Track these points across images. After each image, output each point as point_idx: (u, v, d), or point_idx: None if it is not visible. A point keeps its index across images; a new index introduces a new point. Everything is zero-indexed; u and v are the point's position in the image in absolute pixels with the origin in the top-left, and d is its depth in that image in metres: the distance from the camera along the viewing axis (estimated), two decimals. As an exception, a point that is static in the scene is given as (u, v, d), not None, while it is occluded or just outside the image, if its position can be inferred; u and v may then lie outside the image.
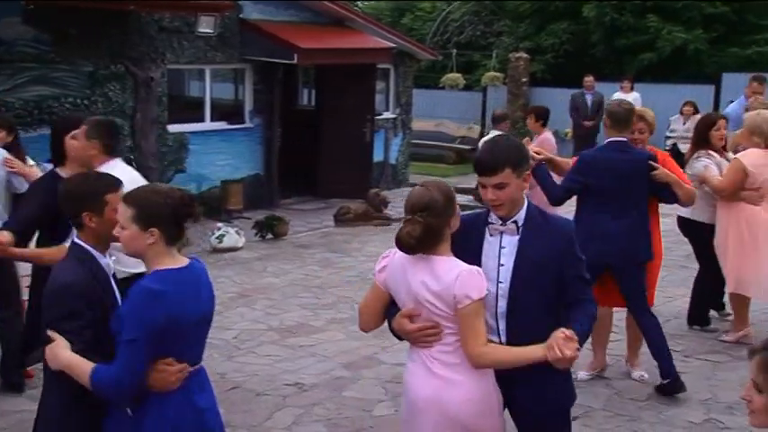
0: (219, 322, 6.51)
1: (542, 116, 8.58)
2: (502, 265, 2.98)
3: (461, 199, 12.01)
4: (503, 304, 2.98)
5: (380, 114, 13.30)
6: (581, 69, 16.35)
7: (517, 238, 2.99)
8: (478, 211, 3.14)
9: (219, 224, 9.54)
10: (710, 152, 6.04)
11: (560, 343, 2.66)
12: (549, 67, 18.16)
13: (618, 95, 14.67)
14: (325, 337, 6.34)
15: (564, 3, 18.27)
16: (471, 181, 11.56)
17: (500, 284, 2.97)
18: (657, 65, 17.00)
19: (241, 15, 11.08)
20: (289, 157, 12.00)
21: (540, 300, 2.97)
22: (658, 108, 15.36)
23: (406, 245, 2.83)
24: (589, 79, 15.03)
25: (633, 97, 14.55)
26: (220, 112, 11.41)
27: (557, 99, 15.99)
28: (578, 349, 2.71)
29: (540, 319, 2.92)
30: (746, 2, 17.29)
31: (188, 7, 10.07)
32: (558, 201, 4.99)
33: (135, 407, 2.64)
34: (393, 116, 13.78)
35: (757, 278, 5.83)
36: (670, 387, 5.07)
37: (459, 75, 17.21)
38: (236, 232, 9.36)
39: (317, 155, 12.45)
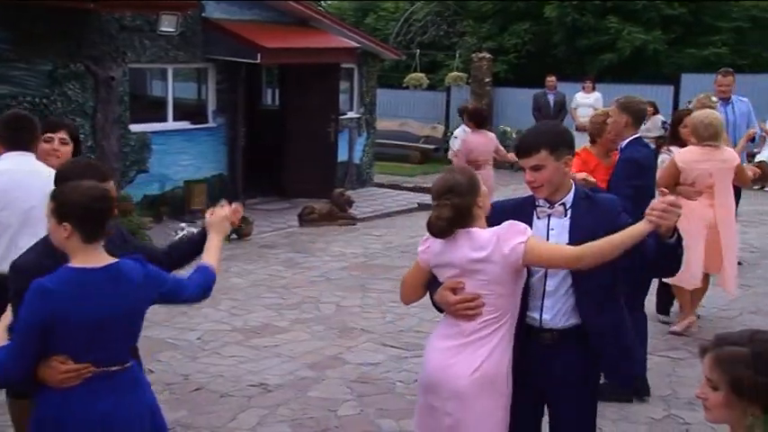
0: (183, 323, 6.46)
1: (473, 117, 8.74)
2: None
3: (427, 199, 12.06)
4: (551, 283, 3.06)
5: (344, 114, 13.29)
6: (543, 69, 16.50)
7: (566, 219, 3.08)
8: (526, 195, 3.21)
9: (183, 224, 9.45)
10: (670, 148, 6.25)
11: (659, 209, 2.78)
12: (511, 68, 18.29)
13: (580, 96, 14.88)
14: (290, 337, 6.33)
15: (526, 3, 18.42)
16: (435, 180, 11.55)
17: None
18: (618, 65, 17.22)
19: (204, 14, 10.99)
20: (253, 156, 11.93)
21: (590, 280, 3.01)
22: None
23: (437, 228, 2.96)
24: (551, 79, 15.20)
25: (595, 97, 14.76)
26: (183, 111, 11.30)
27: (519, 99, 16.16)
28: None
29: (603, 289, 3.04)
30: (703, 3, 17.59)
31: (149, 6, 9.95)
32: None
33: (35, 395, 2.72)
34: (357, 116, 13.78)
35: (688, 268, 5.94)
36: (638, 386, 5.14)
37: (422, 75, 17.24)
38: (200, 233, 9.28)
39: (281, 155, 12.40)
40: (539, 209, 3.12)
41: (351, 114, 13.64)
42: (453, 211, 2.92)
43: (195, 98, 11.76)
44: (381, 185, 14.00)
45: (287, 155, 12.34)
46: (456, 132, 9.06)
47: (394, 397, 5.21)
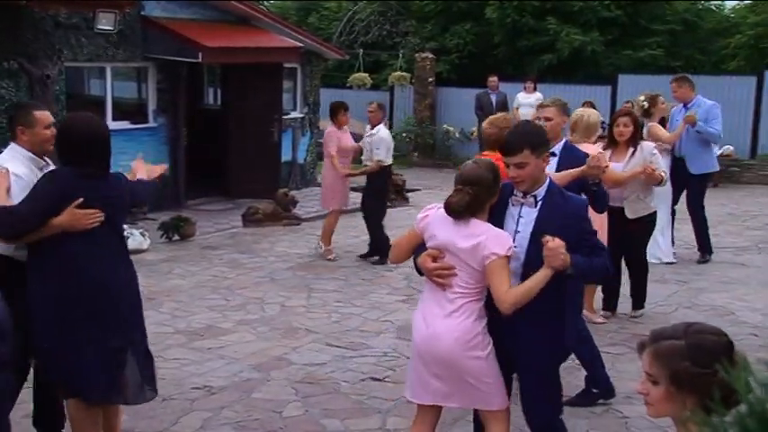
0: (124, 327, 6.34)
1: (330, 111, 8.94)
2: (518, 231, 3.49)
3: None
4: (516, 265, 3.47)
5: (288, 114, 13.22)
6: (485, 69, 16.71)
7: (535, 211, 3.50)
8: (506, 182, 3.58)
9: (123, 225, 9.27)
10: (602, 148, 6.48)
11: (548, 247, 3.28)
12: (454, 67, 18.46)
13: (521, 96, 15.10)
14: (234, 338, 6.27)
15: (467, 4, 18.60)
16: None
17: (515, 248, 3.43)
18: (557, 66, 17.53)
19: (143, 12, 10.81)
20: (195, 157, 11.78)
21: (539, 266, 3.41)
22: (559, 108, 15.85)
23: (454, 211, 3.41)
24: (493, 79, 15.39)
25: (536, 97, 14.95)
26: (123, 111, 11.09)
27: (463, 99, 16.31)
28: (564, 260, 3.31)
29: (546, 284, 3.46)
30: (639, 6, 18.03)
31: (86, 3, 9.74)
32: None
33: None
34: (301, 116, 13.73)
35: None
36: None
37: (366, 74, 17.26)
38: (141, 234, 9.14)
39: (224, 155, 12.28)
40: (513, 197, 3.54)
41: (294, 114, 13.58)
42: (472, 200, 3.38)
43: (135, 97, 11.56)
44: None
45: (230, 155, 12.22)
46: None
47: (339, 397, 5.21)
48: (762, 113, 14.34)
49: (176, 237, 9.66)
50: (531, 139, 3.49)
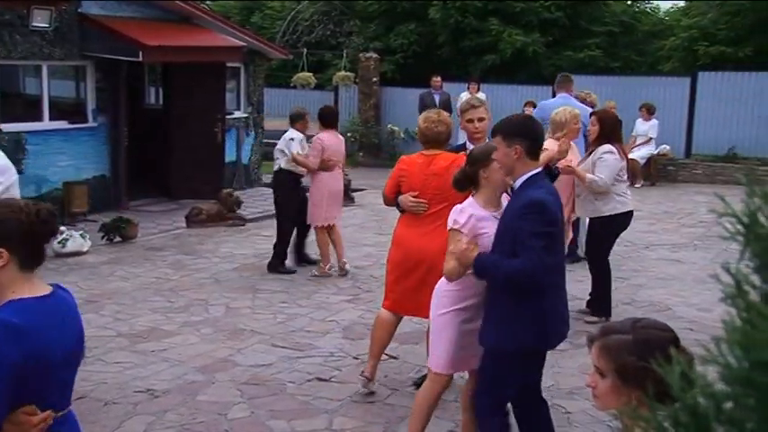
0: (64, 331, 6.20)
1: (326, 117, 8.18)
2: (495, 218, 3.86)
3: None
4: (486, 243, 3.73)
5: (231, 114, 13.10)
6: (429, 69, 16.83)
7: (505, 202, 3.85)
8: None
9: (62, 227, 9.06)
10: None
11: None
12: (398, 67, 18.54)
13: (465, 95, 15.25)
14: (178, 340, 6.20)
15: (411, 4, 18.70)
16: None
17: (485, 234, 3.75)
18: (500, 66, 17.75)
19: (80, 10, 10.58)
20: (137, 157, 11.59)
21: (501, 255, 3.61)
22: (503, 107, 16.12)
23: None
24: (437, 79, 15.53)
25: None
26: (61, 110, 10.85)
27: (407, 98, 16.40)
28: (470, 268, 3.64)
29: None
30: (578, 8, 18.38)
31: (19, 1, 9.49)
32: None
33: None
34: (244, 115, 13.62)
35: None
36: None
37: (310, 74, 17.21)
38: (81, 236, 8.95)
39: (166, 155, 12.10)
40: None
41: (238, 114, 13.46)
42: (461, 175, 3.90)
43: (74, 97, 11.31)
44: (270, 185, 13.88)
45: (173, 155, 12.06)
46: (291, 135, 8.21)
47: (285, 398, 5.19)
48: (695, 114, 14.77)
49: (118, 238, 9.50)
50: (503, 126, 3.72)
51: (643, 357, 2.12)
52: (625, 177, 6.70)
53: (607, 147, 6.50)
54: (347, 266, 8.15)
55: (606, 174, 6.39)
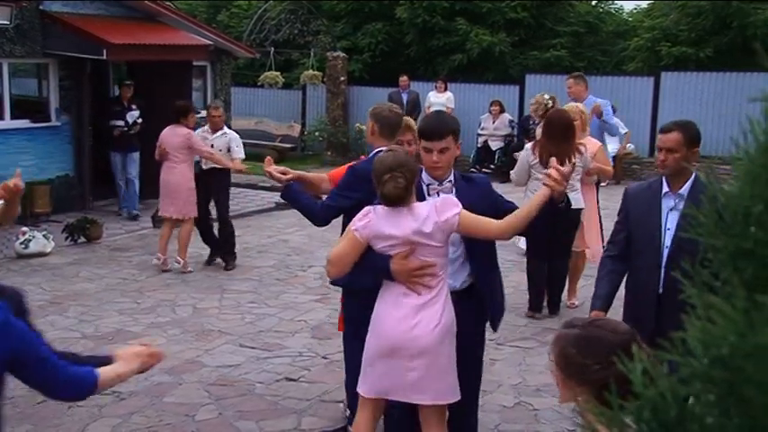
0: (27, 334, 6.11)
1: (181, 112, 8.52)
2: None
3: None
4: (452, 249, 3.61)
5: (198, 113, 12.96)
6: (397, 69, 16.84)
7: (453, 194, 3.61)
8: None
9: (24, 228, 8.91)
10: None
11: (552, 175, 3.29)
12: (366, 67, 18.52)
13: (433, 95, 15.32)
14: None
15: (378, 4, 18.70)
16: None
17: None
18: (467, 65, 17.82)
19: (41, 7, 10.41)
20: (102, 156, 11.43)
21: (478, 246, 3.65)
22: (470, 107, 16.23)
23: (395, 196, 3.32)
24: (404, 79, 15.59)
25: (447, 97, 15.24)
26: (23, 109, 10.67)
27: (375, 98, 16.37)
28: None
29: (486, 249, 3.71)
30: (544, 8, 18.52)
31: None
32: (321, 221, 4.23)
33: None
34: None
35: (596, 244, 7.10)
36: None
37: (277, 73, 17.12)
38: (44, 236, 8.82)
39: (131, 154, 11.93)
40: (430, 187, 3.66)
41: (205, 113, 13.34)
42: (407, 181, 3.32)
43: (36, 95, 11.13)
44: (238, 185, 13.73)
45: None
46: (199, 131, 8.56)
47: (253, 398, 5.17)
48: (659, 113, 14.97)
49: (82, 239, 9.37)
50: (453, 125, 3.69)
51: (581, 353, 2.15)
52: (540, 175, 6.65)
53: (528, 145, 6.86)
54: (169, 265, 8.26)
55: (515, 169, 6.78)
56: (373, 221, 3.40)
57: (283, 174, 4.15)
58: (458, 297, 3.59)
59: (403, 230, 3.34)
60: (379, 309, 3.49)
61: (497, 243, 3.85)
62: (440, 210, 3.34)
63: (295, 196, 4.17)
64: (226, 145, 8.39)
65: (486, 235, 3.44)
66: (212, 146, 8.35)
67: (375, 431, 3.68)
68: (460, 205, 3.36)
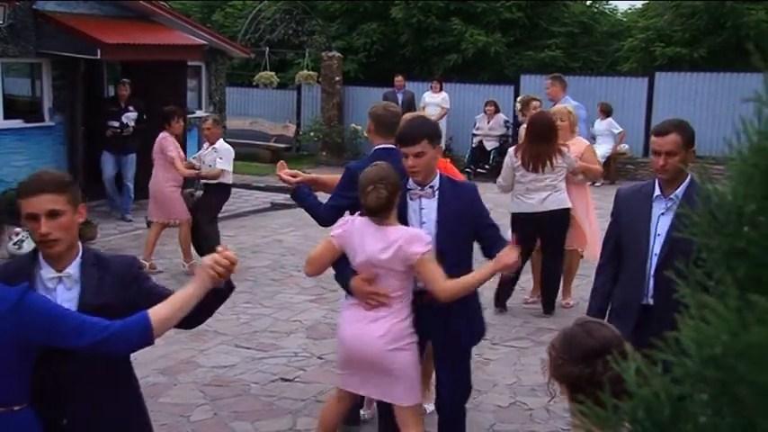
0: (21, 334, 6.09)
1: (164, 117, 8.60)
2: (423, 222, 3.68)
3: (280, 198, 12.00)
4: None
5: (193, 113, 12.97)
6: (392, 69, 16.84)
7: (434, 200, 3.68)
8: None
9: (18, 229, 8.88)
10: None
11: (504, 254, 3.43)
12: (361, 67, 18.52)
13: (428, 95, 15.33)
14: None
15: (373, 3, 18.70)
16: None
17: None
18: (462, 66, 17.84)
19: (35, 6, 10.38)
20: (96, 156, 11.41)
21: (460, 244, 3.72)
22: (465, 107, 16.24)
23: (377, 207, 3.46)
24: (399, 79, 15.60)
25: (442, 97, 15.26)
26: (15, 109, 10.64)
27: (370, 98, 16.37)
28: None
29: (461, 258, 3.71)
30: (539, 9, 18.55)
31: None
32: (326, 221, 4.24)
33: None
34: (206, 114, 13.48)
35: (595, 245, 6.97)
36: None
37: (272, 73, 17.12)
38: (38, 238, 8.78)
39: (125, 154, 11.90)
40: (411, 191, 3.68)
41: (199, 113, 13.33)
42: (389, 193, 3.44)
43: (29, 95, 11.10)
44: (234, 185, 13.78)
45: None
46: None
47: (249, 398, 5.16)
48: (653, 113, 15.00)
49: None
50: (427, 129, 3.69)
51: (560, 351, 2.18)
52: (525, 180, 6.54)
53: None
54: (157, 267, 8.35)
55: (501, 174, 6.77)
56: (348, 232, 3.61)
57: (294, 176, 4.33)
58: (429, 298, 3.62)
59: (367, 253, 3.51)
60: (343, 312, 3.76)
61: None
62: (409, 240, 3.47)
63: (302, 197, 4.36)
64: (213, 160, 8.28)
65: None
66: (203, 161, 8.31)
67: (343, 416, 3.99)
68: (430, 246, 3.48)
